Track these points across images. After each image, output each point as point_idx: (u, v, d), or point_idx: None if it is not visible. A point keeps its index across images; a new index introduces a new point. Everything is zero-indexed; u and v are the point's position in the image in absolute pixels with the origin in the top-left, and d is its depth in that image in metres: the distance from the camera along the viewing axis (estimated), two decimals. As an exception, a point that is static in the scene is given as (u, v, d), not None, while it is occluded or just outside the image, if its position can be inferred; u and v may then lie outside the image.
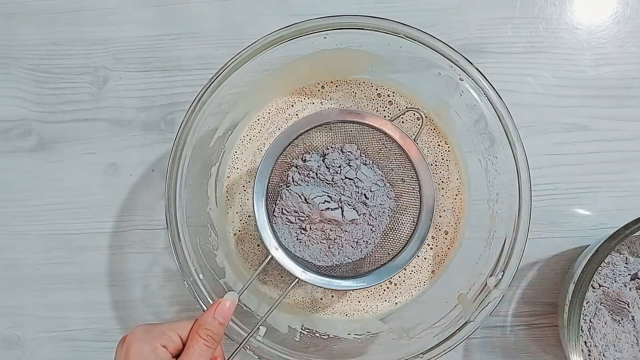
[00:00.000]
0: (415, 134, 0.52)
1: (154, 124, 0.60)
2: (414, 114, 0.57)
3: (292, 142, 0.51)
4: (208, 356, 0.42)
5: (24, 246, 0.61)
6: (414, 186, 0.52)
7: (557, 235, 0.58)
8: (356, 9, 0.59)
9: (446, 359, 0.56)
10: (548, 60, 0.59)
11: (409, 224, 0.52)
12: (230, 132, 0.57)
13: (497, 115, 0.50)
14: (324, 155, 0.52)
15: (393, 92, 0.57)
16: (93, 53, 0.61)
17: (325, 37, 0.50)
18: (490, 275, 0.50)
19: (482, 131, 0.52)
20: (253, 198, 0.49)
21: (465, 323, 0.49)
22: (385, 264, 0.51)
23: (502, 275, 0.49)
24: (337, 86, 0.58)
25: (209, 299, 0.50)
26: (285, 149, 0.51)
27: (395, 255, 0.51)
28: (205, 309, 0.50)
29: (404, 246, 0.51)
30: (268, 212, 0.50)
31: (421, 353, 0.49)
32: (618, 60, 0.59)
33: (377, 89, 0.58)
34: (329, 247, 0.52)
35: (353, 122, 0.51)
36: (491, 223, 0.52)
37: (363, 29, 0.49)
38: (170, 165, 0.50)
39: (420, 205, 0.51)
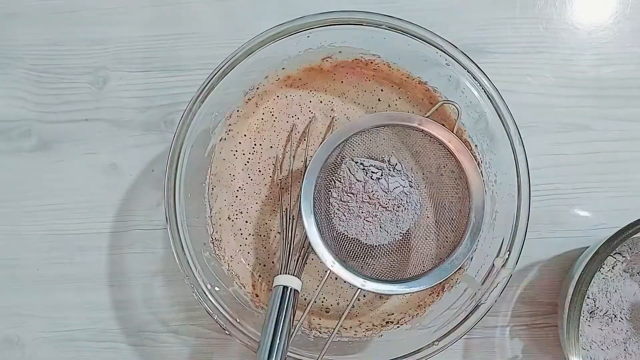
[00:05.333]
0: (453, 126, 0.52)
1: (154, 124, 0.60)
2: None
3: (329, 156, 0.51)
4: None
5: (24, 246, 0.61)
6: (461, 185, 0.51)
7: (557, 235, 0.58)
8: (356, 9, 0.59)
9: (446, 358, 0.56)
10: (548, 60, 0.59)
11: (458, 221, 0.52)
12: (228, 132, 0.57)
13: (498, 114, 0.50)
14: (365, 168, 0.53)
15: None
16: (93, 53, 0.61)
17: (308, 36, 0.50)
18: (497, 257, 0.50)
19: (483, 131, 0.52)
20: (302, 217, 0.50)
21: (477, 306, 0.49)
22: (437, 265, 0.51)
23: (509, 255, 0.49)
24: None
25: (210, 298, 0.50)
26: (323, 166, 0.51)
27: (450, 254, 0.51)
28: (208, 308, 0.50)
29: (458, 244, 0.51)
30: (319, 229, 0.51)
31: (436, 340, 0.49)
32: (618, 60, 0.59)
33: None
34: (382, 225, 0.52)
35: (386, 125, 0.51)
36: (492, 204, 0.53)
37: (360, 24, 0.50)
38: (170, 165, 0.50)
39: (469, 200, 0.51)
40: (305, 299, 0.56)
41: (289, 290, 0.50)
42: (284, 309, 0.49)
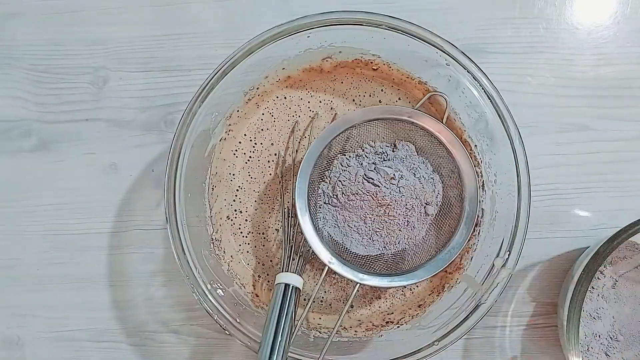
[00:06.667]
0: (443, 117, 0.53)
1: (154, 124, 0.60)
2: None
3: (321, 153, 0.51)
4: None
5: (24, 246, 0.61)
6: (454, 175, 0.52)
7: (558, 235, 0.58)
8: (356, 9, 0.59)
9: (446, 358, 0.56)
10: (548, 60, 0.59)
11: (453, 215, 0.52)
12: (228, 132, 0.57)
13: (498, 114, 0.50)
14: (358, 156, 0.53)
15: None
16: (93, 53, 0.61)
17: (308, 36, 0.51)
18: (497, 257, 0.50)
19: (483, 131, 0.52)
20: (297, 216, 0.50)
21: (477, 306, 0.49)
22: (434, 256, 0.51)
23: (509, 255, 0.49)
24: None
25: (210, 298, 0.50)
26: (316, 163, 0.51)
27: (445, 245, 0.51)
28: (208, 309, 0.50)
29: (452, 235, 0.51)
30: (315, 226, 0.51)
31: (436, 340, 0.49)
32: (618, 60, 0.59)
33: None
34: (382, 233, 0.52)
35: (379, 119, 0.51)
36: (492, 204, 0.53)
37: (350, 24, 0.50)
38: (170, 165, 0.50)
39: (462, 190, 0.51)
40: (305, 300, 0.56)
41: (290, 288, 0.50)
42: (285, 307, 0.49)
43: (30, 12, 0.62)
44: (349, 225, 0.53)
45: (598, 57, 0.59)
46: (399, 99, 0.57)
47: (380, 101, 0.57)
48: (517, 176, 0.50)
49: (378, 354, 0.53)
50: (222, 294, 0.52)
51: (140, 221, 0.60)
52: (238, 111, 0.56)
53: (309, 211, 0.51)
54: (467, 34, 0.59)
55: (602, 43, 0.59)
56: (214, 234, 0.56)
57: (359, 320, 0.57)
